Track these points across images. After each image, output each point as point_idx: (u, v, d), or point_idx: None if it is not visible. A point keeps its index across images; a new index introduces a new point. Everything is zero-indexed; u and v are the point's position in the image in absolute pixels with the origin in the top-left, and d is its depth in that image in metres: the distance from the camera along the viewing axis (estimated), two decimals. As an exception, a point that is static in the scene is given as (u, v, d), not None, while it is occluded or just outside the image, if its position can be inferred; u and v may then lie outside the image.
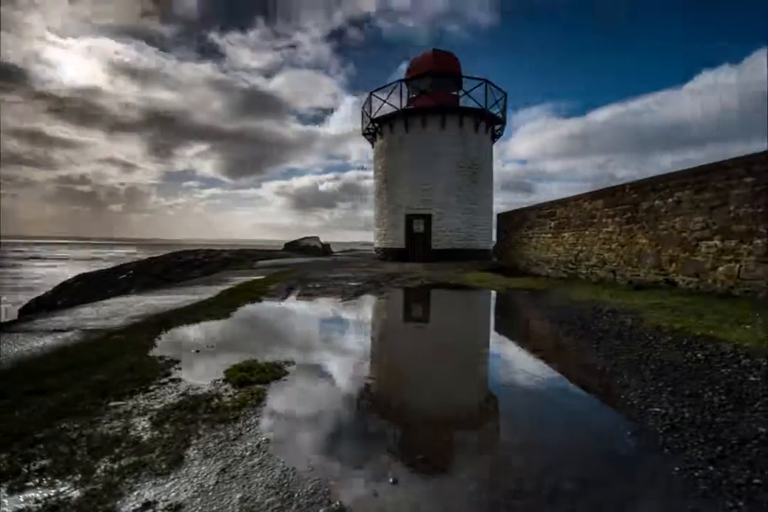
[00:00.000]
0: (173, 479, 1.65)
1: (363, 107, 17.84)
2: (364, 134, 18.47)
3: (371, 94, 16.82)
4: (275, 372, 2.95)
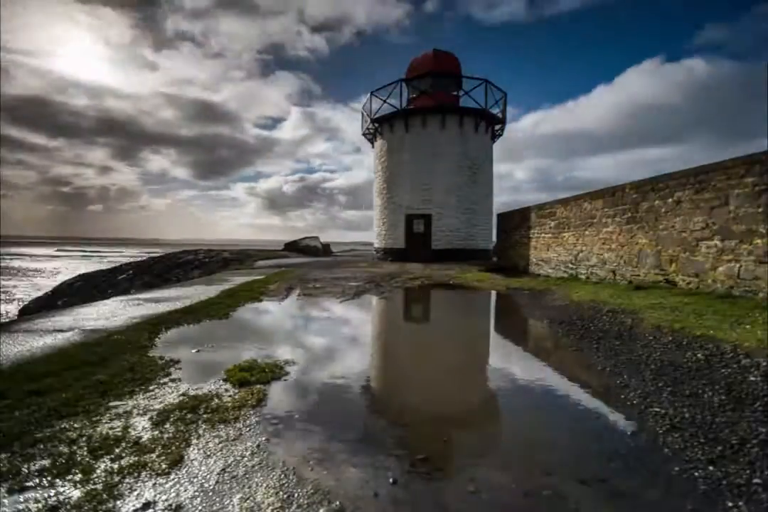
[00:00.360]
0: (173, 479, 1.65)
1: (363, 107, 17.84)
2: (364, 134, 18.46)
3: (371, 94, 16.82)
4: (275, 372, 2.95)
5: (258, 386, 2.69)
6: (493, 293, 7.75)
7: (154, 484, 1.62)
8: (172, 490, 1.58)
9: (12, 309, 15.71)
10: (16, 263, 43.63)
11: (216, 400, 2.45)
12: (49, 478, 1.65)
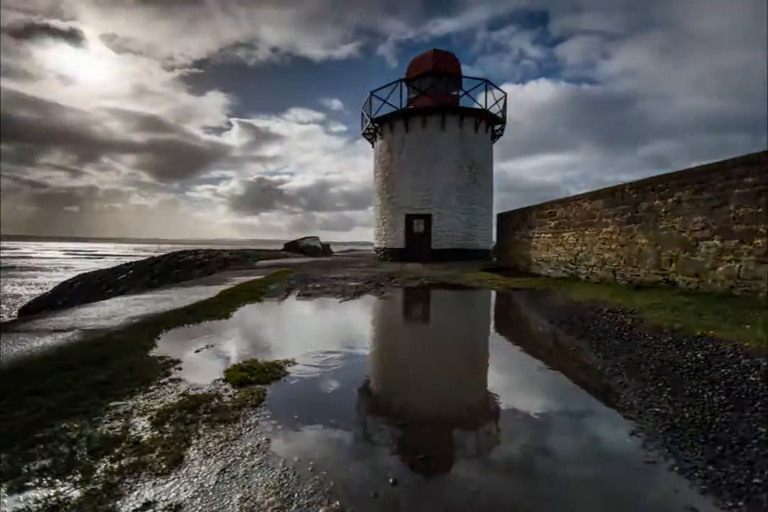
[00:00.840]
0: (173, 479, 1.65)
1: (363, 107, 17.83)
2: (364, 134, 18.47)
3: (371, 94, 16.82)
4: (275, 372, 2.95)
5: (258, 386, 2.69)
6: (493, 293, 7.75)
7: (154, 484, 1.62)
8: (172, 490, 1.58)
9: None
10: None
11: (216, 400, 2.45)
12: (49, 478, 1.65)
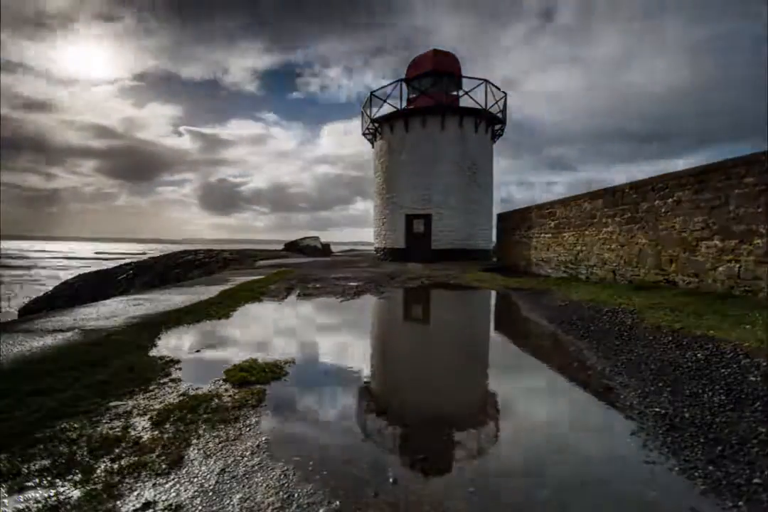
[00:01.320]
0: (173, 479, 1.65)
1: (363, 107, 17.84)
2: (364, 134, 18.47)
3: (371, 93, 16.82)
4: (275, 372, 2.95)
5: (258, 386, 2.69)
6: (493, 293, 7.75)
7: (154, 484, 1.62)
8: (172, 490, 1.58)
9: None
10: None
11: (216, 400, 2.45)
12: (49, 478, 1.65)
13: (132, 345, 3.62)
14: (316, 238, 27.35)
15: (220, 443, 1.94)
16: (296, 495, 1.55)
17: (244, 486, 1.61)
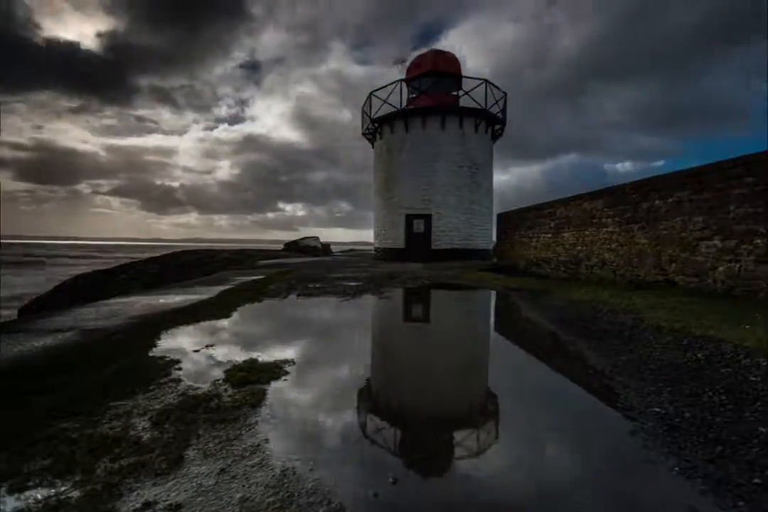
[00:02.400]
0: (173, 479, 1.65)
1: (363, 107, 17.84)
2: (364, 134, 18.47)
3: (371, 94, 16.82)
4: (275, 372, 2.95)
5: (257, 386, 2.69)
6: (493, 293, 7.75)
7: (154, 484, 1.62)
8: (172, 490, 1.58)
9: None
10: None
11: (216, 400, 2.45)
12: (49, 478, 1.65)
13: (132, 345, 3.62)
14: (316, 238, 27.37)
15: (219, 443, 1.94)
16: (296, 494, 1.55)
17: (244, 485, 1.61)
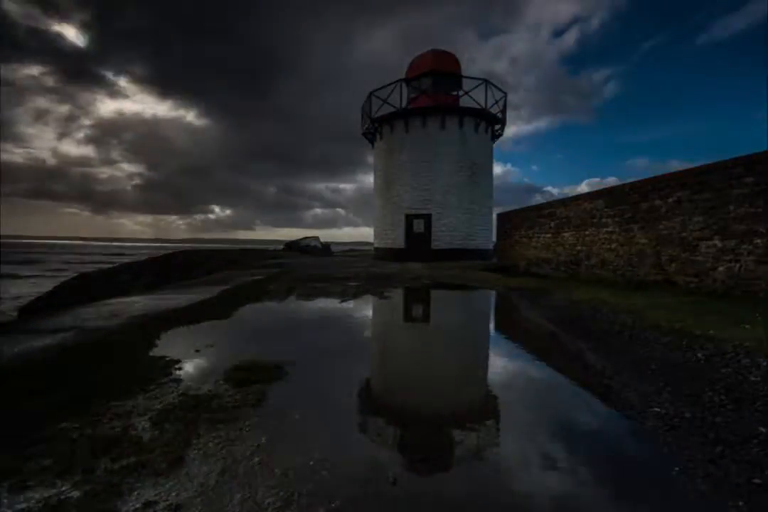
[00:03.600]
0: (173, 479, 1.65)
1: (363, 107, 17.83)
2: (364, 134, 18.46)
3: (371, 93, 16.82)
4: (275, 372, 2.95)
5: (258, 386, 2.69)
6: (493, 293, 7.75)
7: (154, 484, 1.62)
8: (173, 490, 1.58)
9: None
10: None
11: (216, 400, 2.45)
12: (49, 478, 1.65)
13: (132, 345, 3.62)
14: (317, 238, 27.36)
15: (220, 443, 1.94)
16: (296, 494, 1.55)
17: (244, 485, 1.61)
